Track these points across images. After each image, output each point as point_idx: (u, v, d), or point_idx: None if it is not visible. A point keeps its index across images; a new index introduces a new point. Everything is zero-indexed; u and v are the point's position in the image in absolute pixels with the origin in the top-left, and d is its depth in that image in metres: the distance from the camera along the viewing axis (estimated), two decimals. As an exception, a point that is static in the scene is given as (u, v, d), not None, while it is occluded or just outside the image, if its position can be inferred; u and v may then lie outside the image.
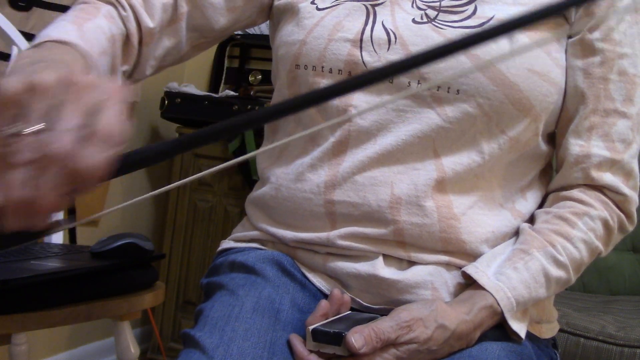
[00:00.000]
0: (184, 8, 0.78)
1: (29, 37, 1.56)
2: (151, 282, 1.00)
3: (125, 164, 0.41)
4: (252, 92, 1.97)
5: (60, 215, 1.23)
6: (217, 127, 0.41)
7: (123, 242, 0.94)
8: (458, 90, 0.69)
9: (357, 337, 0.60)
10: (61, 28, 0.65)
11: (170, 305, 2.11)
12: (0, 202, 0.38)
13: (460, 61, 0.68)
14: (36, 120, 0.39)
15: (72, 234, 1.83)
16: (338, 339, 0.61)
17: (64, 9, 1.68)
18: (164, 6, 0.77)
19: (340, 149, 0.73)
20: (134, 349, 1.04)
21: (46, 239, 1.21)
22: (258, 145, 0.75)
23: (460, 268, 0.71)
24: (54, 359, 1.89)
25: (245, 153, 1.94)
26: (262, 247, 0.80)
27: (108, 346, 2.09)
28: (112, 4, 0.74)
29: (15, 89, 0.40)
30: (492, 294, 0.67)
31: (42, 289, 0.81)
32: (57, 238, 1.21)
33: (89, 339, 2.04)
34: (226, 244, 0.84)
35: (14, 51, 1.21)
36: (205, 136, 0.41)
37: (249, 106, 1.93)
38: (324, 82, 0.73)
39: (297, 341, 0.65)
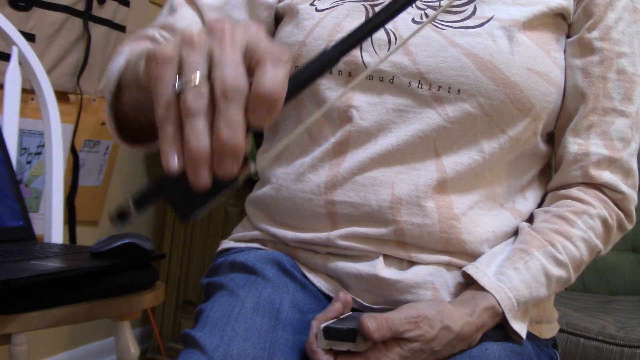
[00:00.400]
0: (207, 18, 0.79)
1: (29, 37, 1.56)
2: (151, 282, 1.00)
3: (296, 82, 0.41)
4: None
5: (60, 220, 1.23)
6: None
7: (123, 242, 0.93)
8: (459, 90, 0.69)
9: (372, 322, 0.60)
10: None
11: (170, 305, 2.11)
12: (203, 151, 0.38)
13: (460, 61, 0.69)
14: (201, 67, 0.39)
15: (72, 234, 1.83)
16: (352, 335, 0.61)
17: (64, 9, 1.68)
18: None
19: (340, 149, 0.73)
20: (134, 349, 1.03)
21: (46, 239, 1.21)
22: (258, 145, 0.75)
23: (461, 268, 0.71)
24: (54, 359, 1.89)
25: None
26: (263, 247, 0.80)
27: (108, 346, 2.09)
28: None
29: (169, 47, 0.40)
30: (493, 295, 0.67)
31: (42, 289, 0.81)
32: (57, 238, 1.22)
33: (89, 339, 2.04)
34: (226, 244, 0.84)
35: (14, 51, 1.22)
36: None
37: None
38: (324, 83, 0.73)
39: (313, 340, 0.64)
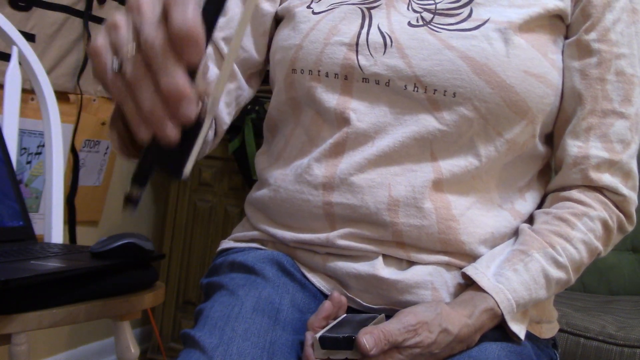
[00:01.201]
0: (224, 50, 0.80)
1: (29, 37, 1.56)
2: (151, 282, 1.00)
3: (209, 11, 0.42)
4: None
5: (60, 220, 1.23)
6: None
7: (123, 242, 0.93)
8: (454, 94, 0.69)
9: (368, 339, 0.60)
10: None
11: (170, 305, 2.11)
12: (155, 109, 0.40)
13: (456, 64, 0.68)
14: (128, 41, 0.41)
15: (72, 234, 1.83)
16: (349, 343, 0.61)
17: (64, 9, 1.68)
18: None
19: (337, 150, 0.73)
20: (134, 349, 1.03)
21: (46, 239, 1.21)
22: (258, 146, 0.75)
23: (460, 268, 0.71)
24: (54, 359, 1.89)
25: (245, 152, 1.94)
26: (262, 247, 0.80)
27: (108, 346, 2.09)
28: None
29: (98, 37, 0.43)
30: (492, 296, 0.67)
31: (42, 289, 0.81)
32: (57, 238, 1.22)
33: (89, 339, 2.04)
34: (226, 244, 0.84)
35: (14, 51, 1.22)
36: None
37: (249, 106, 1.93)
38: (320, 86, 0.73)
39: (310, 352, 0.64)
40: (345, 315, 0.69)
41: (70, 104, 1.77)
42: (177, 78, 0.39)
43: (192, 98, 0.40)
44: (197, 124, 0.43)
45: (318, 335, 0.62)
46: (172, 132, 0.41)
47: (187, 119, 0.41)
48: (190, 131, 0.43)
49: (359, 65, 0.71)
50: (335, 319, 0.67)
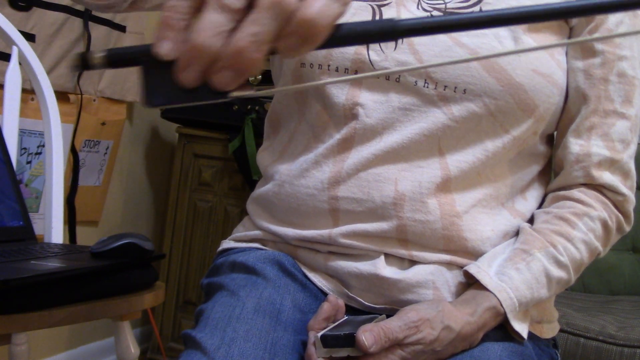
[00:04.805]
0: None
1: (29, 37, 1.56)
2: (151, 282, 1.00)
3: (345, 31, 0.37)
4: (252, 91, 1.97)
5: (60, 220, 1.23)
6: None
7: (123, 242, 0.93)
8: (465, 90, 0.69)
9: (368, 336, 0.60)
10: None
11: (170, 305, 2.11)
12: (207, 50, 0.34)
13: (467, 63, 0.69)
14: None
15: (72, 234, 1.83)
16: (350, 340, 0.61)
17: (64, 9, 1.68)
18: None
19: (345, 145, 0.73)
20: (134, 349, 1.03)
21: (46, 239, 1.21)
22: (258, 146, 0.75)
23: (462, 267, 0.71)
24: (54, 359, 1.89)
25: (245, 152, 1.94)
26: (263, 247, 0.80)
27: (108, 346, 2.09)
28: None
29: None
30: (495, 295, 0.67)
31: (42, 289, 0.81)
32: (57, 238, 1.22)
33: (89, 339, 2.04)
34: (226, 244, 0.84)
35: (14, 51, 1.21)
36: None
37: (249, 106, 1.93)
38: (328, 80, 0.73)
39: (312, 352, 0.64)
40: (346, 316, 0.69)
41: (70, 104, 1.77)
42: (259, 51, 0.34)
43: (247, 76, 0.35)
44: (219, 92, 0.37)
45: (319, 334, 0.63)
46: (192, 80, 0.35)
47: (220, 86, 0.35)
48: (205, 90, 0.37)
49: (370, 60, 0.71)
50: (335, 321, 0.68)
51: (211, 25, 0.34)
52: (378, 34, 0.37)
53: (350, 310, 0.73)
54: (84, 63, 0.38)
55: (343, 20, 0.76)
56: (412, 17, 0.37)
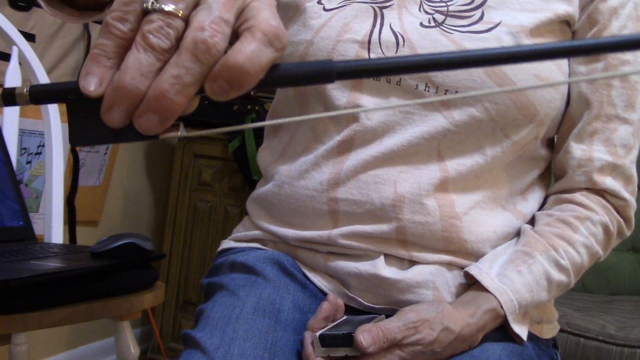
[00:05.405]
0: None
1: (29, 37, 1.56)
2: (151, 282, 1.00)
3: (279, 74, 0.35)
4: (252, 92, 1.97)
5: (60, 220, 1.23)
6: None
7: (123, 242, 0.93)
8: None
9: (366, 336, 0.60)
10: None
11: (170, 305, 2.11)
12: (133, 91, 0.33)
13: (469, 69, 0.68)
14: (185, 2, 0.34)
15: (72, 234, 1.83)
16: (348, 340, 0.61)
17: (64, 8, 1.67)
18: None
19: (345, 147, 0.73)
20: (134, 349, 1.03)
21: (46, 239, 1.21)
22: (258, 146, 0.75)
23: (462, 268, 0.71)
24: (54, 359, 1.89)
25: (245, 153, 1.94)
26: (263, 247, 0.80)
27: (108, 346, 2.09)
28: None
29: None
30: (495, 297, 0.67)
31: (42, 289, 0.81)
32: (57, 238, 1.22)
33: (89, 339, 2.04)
34: (226, 244, 0.84)
35: (14, 51, 1.21)
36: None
37: (249, 106, 1.93)
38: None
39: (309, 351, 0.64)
40: (346, 316, 0.69)
41: (70, 103, 1.77)
42: (183, 95, 0.34)
43: (172, 120, 0.34)
44: (146, 135, 0.35)
45: (317, 334, 0.63)
46: (117, 121, 0.34)
47: (145, 129, 0.34)
48: (132, 132, 0.35)
49: None
50: (334, 320, 0.68)
51: (137, 64, 0.33)
52: (315, 76, 0.35)
53: (349, 310, 0.73)
54: (6, 100, 0.37)
55: (343, 21, 0.75)
56: (350, 60, 0.36)
